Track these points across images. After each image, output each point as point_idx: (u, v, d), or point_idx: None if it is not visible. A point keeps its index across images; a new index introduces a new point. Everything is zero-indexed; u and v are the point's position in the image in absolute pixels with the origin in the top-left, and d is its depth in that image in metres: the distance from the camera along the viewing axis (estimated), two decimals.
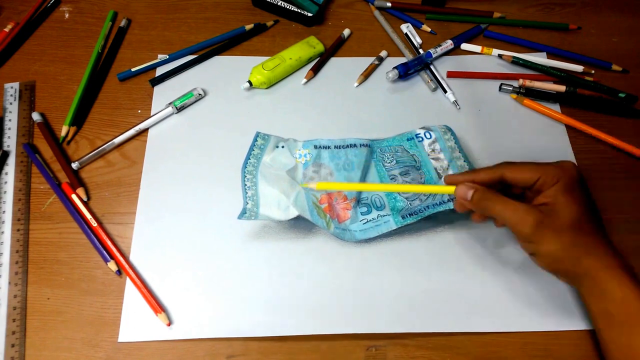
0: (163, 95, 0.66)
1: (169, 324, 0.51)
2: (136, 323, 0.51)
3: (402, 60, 0.71)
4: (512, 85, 0.68)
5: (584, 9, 0.77)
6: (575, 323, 0.52)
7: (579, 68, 0.70)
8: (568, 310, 0.53)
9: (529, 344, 0.52)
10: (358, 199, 0.56)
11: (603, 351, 0.46)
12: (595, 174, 0.62)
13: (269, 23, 0.74)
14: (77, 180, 0.59)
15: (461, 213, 0.58)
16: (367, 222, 0.55)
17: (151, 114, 0.64)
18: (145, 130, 0.63)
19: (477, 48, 0.72)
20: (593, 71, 0.70)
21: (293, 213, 0.54)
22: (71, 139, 0.63)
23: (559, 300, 0.53)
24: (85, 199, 0.58)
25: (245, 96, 0.67)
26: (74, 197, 0.57)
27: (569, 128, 0.65)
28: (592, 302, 0.45)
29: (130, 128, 0.62)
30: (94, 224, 0.56)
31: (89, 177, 0.60)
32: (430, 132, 0.60)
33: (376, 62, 0.70)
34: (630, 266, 0.45)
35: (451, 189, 0.48)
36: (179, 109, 0.65)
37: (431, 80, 0.68)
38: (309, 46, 0.70)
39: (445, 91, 0.67)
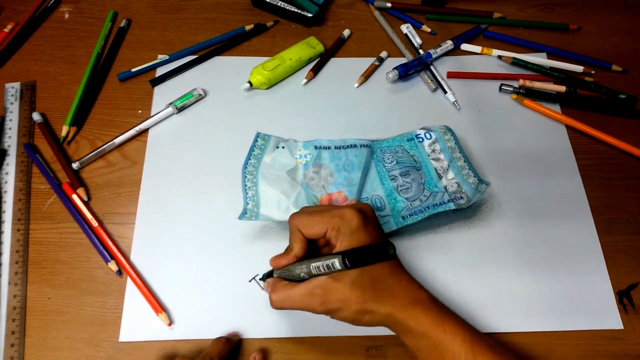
0: (163, 95, 0.66)
1: (170, 324, 0.51)
2: (137, 323, 0.51)
3: (402, 60, 0.71)
4: (512, 86, 0.68)
5: (584, 9, 0.77)
6: (575, 323, 0.53)
7: (579, 68, 0.70)
8: (568, 310, 0.53)
9: (529, 344, 0.52)
10: (358, 200, 0.56)
11: None
12: (595, 174, 0.62)
13: (269, 23, 0.74)
14: (77, 180, 0.59)
15: (461, 214, 0.58)
16: None
17: (151, 114, 0.64)
18: (146, 130, 0.63)
19: (477, 48, 0.72)
20: (593, 71, 0.70)
21: None
22: (71, 139, 0.63)
23: (559, 301, 0.54)
24: (85, 199, 0.58)
25: (245, 96, 0.67)
26: (74, 197, 0.57)
27: (569, 128, 0.65)
28: (404, 340, 0.45)
29: (131, 128, 0.62)
30: (94, 224, 0.56)
31: (89, 177, 0.60)
32: (431, 132, 0.60)
33: (376, 63, 0.70)
34: (428, 296, 0.44)
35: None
36: (179, 110, 0.65)
37: (431, 80, 0.68)
38: (309, 47, 0.70)
39: (445, 92, 0.67)
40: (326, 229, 0.44)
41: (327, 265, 0.42)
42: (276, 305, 0.45)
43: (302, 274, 0.44)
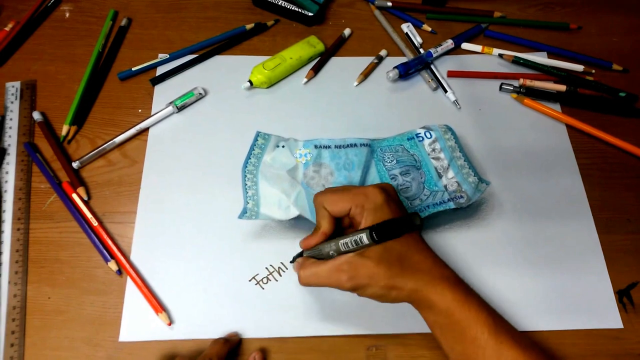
0: (164, 94, 0.66)
1: (170, 324, 0.51)
2: (137, 323, 0.51)
3: (403, 59, 0.71)
4: (512, 85, 0.68)
5: (585, 9, 0.77)
6: (575, 322, 0.53)
7: (579, 67, 0.70)
8: (568, 310, 0.53)
9: None
10: None
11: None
12: (595, 173, 0.62)
13: (270, 22, 0.74)
14: (77, 179, 0.59)
15: (461, 213, 0.58)
16: None
17: (152, 113, 0.64)
18: (146, 129, 0.63)
19: (477, 48, 0.72)
20: (593, 70, 0.70)
21: (293, 213, 0.54)
22: (72, 138, 0.63)
23: (559, 300, 0.54)
24: (85, 198, 0.58)
25: (245, 96, 0.67)
26: (74, 196, 0.57)
27: (569, 127, 0.65)
28: (424, 315, 0.45)
29: (131, 127, 0.62)
30: (94, 223, 0.56)
31: (89, 177, 0.60)
32: (431, 131, 0.60)
33: (376, 62, 0.70)
34: (454, 274, 0.45)
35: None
36: (180, 109, 0.65)
37: (432, 79, 0.68)
38: (310, 46, 0.70)
39: (445, 91, 0.67)
40: (350, 206, 0.45)
41: (355, 240, 0.42)
42: (304, 282, 0.46)
43: (330, 252, 0.45)
